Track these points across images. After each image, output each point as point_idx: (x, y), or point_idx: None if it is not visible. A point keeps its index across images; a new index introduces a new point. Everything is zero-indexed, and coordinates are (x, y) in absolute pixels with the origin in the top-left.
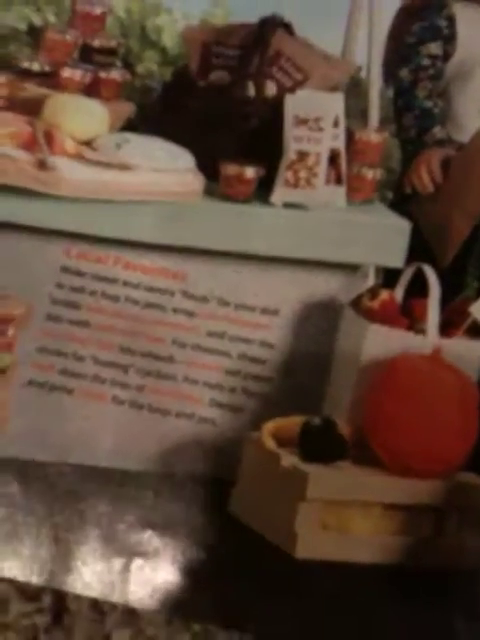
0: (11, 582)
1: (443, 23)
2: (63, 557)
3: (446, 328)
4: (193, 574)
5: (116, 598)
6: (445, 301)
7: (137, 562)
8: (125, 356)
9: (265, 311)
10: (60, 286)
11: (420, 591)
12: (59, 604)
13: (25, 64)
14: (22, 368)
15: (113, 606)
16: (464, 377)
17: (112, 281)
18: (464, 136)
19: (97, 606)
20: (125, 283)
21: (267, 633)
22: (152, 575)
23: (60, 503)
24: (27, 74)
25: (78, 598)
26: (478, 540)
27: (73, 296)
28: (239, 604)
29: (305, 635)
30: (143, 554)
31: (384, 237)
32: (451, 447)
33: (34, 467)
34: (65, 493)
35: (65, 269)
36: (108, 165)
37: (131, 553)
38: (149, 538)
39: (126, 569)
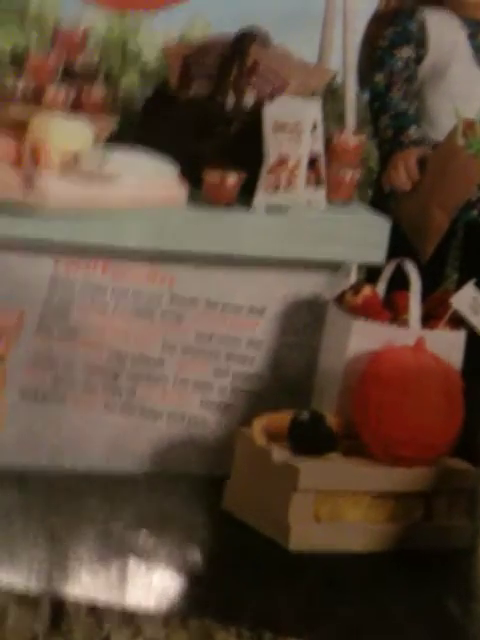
0: (9, 590)
1: (414, 27)
2: (60, 561)
3: (428, 320)
4: (189, 571)
5: (114, 600)
6: (426, 294)
7: (134, 562)
8: (116, 362)
9: (252, 311)
10: (50, 297)
11: (413, 574)
12: (57, 609)
13: (10, 86)
14: (15, 377)
15: (111, 608)
16: (447, 366)
17: (101, 289)
18: (439, 134)
19: (95, 609)
20: (114, 290)
21: (264, 623)
22: (149, 574)
23: (56, 508)
24: (13, 95)
25: (76, 602)
26: (466, 521)
27: (63, 306)
28: (236, 598)
29: (301, 624)
30: (139, 554)
31: (365, 234)
32: (437, 435)
33: (29, 474)
34: (61, 498)
35: (55, 280)
36: (94, 178)
37: (127, 553)
38: (145, 538)
39: (123, 569)
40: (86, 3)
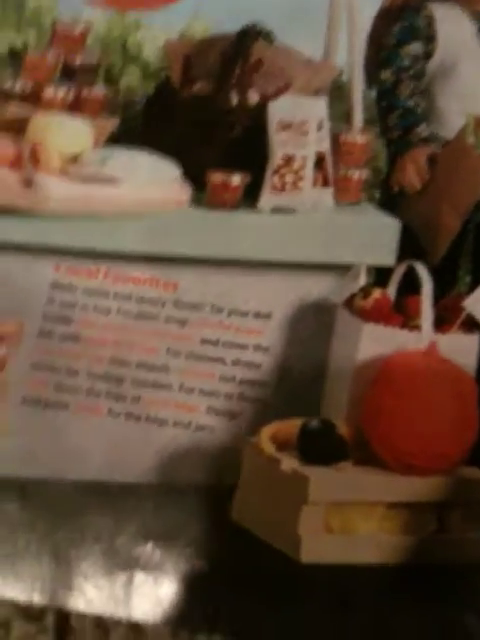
0: (13, 603)
1: (422, 23)
2: (65, 574)
3: (440, 324)
4: (197, 585)
5: (120, 613)
6: (438, 297)
7: (140, 575)
8: (119, 368)
9: (258, 316)
10: (51, 302)
11: (426, 588)
12: (62, 623)
13: (7, 85)
14: (17, 386)
15: (117, 622)
16: (461, 372)
17: (103, 294)
18: (448, 132)
19: (101, 623)
20: (116, 295)
21: (273, 638)
22: (155, 588)
23: (60, 520)
24: (10, 95)
25: (81, 616)
26: None
27: (64, 311)
28: (245, 613)
29: (312, 639)
30: (146, 567)
31: (374, 236)
32: (451, 442)
33: (32, 485)
34: (65, 509)
35: (55, 285)
36: (94, 180)
37: (133, 566)
38: (151, 550)
39: (129, 583)
40: (86, 3)
